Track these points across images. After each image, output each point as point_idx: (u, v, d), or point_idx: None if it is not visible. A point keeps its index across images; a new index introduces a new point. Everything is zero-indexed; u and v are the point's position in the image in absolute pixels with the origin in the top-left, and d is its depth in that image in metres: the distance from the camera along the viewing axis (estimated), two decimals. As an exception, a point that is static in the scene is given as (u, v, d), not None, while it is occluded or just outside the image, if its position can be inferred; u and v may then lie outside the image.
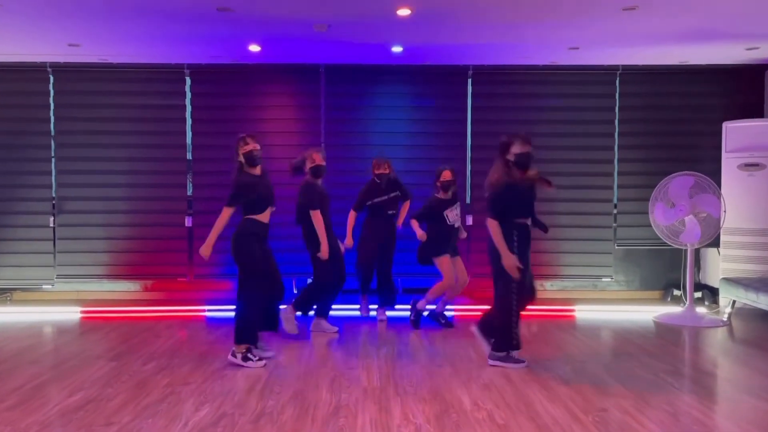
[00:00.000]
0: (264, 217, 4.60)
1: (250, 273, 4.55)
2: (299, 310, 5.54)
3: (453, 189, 5.72)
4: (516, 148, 4.37)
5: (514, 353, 4.51)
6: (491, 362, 4.51)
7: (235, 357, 4.51)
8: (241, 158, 4.55)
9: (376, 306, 6.14)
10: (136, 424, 3.39)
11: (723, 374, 4.56)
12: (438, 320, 5.86)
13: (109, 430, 3.31)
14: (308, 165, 5.40)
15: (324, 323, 5.60)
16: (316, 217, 5.27)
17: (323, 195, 5.42)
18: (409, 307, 5.89)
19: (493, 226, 4.36)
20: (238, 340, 4.51)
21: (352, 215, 5.95)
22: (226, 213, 4.51)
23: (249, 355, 4.49)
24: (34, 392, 3.94)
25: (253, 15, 5.13)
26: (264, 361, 4.51)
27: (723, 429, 3.39)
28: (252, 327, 4.54)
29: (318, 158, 5.39)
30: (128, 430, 3.31)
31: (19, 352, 4.95)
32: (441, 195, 5.69)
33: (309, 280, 5.89)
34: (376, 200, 5.91)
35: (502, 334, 4.45)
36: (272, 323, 4.83)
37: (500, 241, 4.34)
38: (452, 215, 5.67)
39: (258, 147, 4.57)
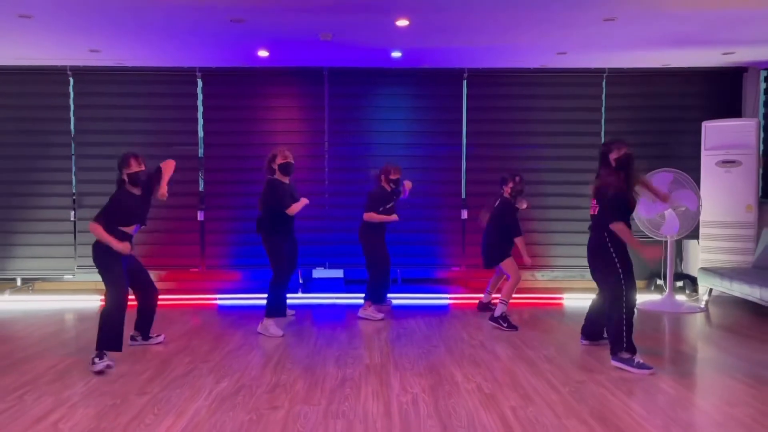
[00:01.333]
0: (129, 229, 4.58)
1: (108, 280, 4.46)
2: (275, 315, 5.43)
3: (522, 196, 5.97)
4: (614, 154, 4.47)
5: (638, 358, 4.36)
6: (613, 363, 4.44)
7: (94, 363, 4.35)
8: (125, 177, 4.56)
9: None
10: (165, 394, 3.84)
11: (695, 354, 4.97)
12: (489, 308, 6.16)
13: (142, 399, 3.76)
14: (278, 161, 5.34)
15: (271, 325, 5.40)
16: (292, 210, 5.32)
17: (292, 194, 5.40)
18: (409, 295, 6.24)
19: (619, 228, 4.39)
20: (104, 346, 4.42)
21: (373, 216, 5.92)
22: (100, 228, 4.38)
23: (96, 358, 4.35)
24: (69, 369, 4.37)
25: (264, 25, 5.55)
26: (111, 361, 4.38)
27: (687, 400, 3.80)
28: (118, 331, 4.43)
29: (289, 155, 5.38)
30: (159, 399, 3.76)
31: (47, 336, 5.37)
32: (511, 199, 5.88)
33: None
34: (387, 206, 5.99)
35: (615, 334, 4.43)
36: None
37: (631, 239, 4.41)
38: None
39: (143, 169, 4.59)
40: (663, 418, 3.46)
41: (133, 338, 5.04)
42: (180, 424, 3.37)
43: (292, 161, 5.42)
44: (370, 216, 5.92)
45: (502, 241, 5.85)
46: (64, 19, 5.37)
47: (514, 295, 5.80)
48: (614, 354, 4.44)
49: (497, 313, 5.68)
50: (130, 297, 4.61)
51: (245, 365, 4.46)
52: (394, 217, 6.02)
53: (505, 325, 5.62)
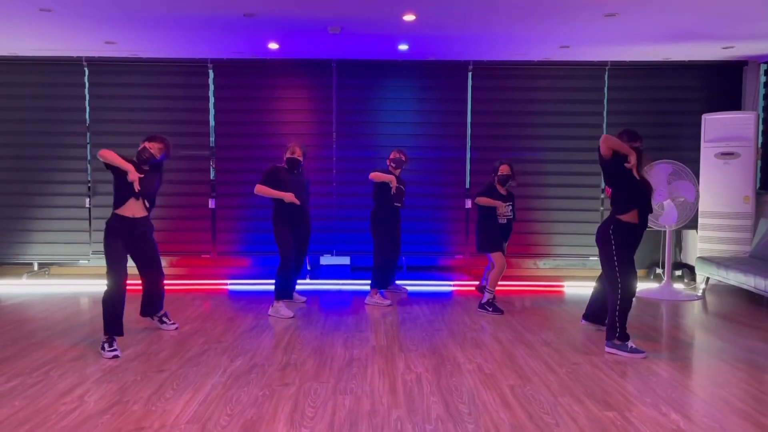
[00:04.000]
0: (126, 210, 4.59)
1: (108, 266, 4.51)
2: (284, 298, 5.69)
3: (510, 184, 5.88)
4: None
5: (631, 343, 4.53)
6: (607, 349, 4.58)
7: (103, 349, 4.47)
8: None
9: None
10: (183, 371, 4.06)
11: (690, 340, 5.14)
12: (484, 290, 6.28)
13: (161, 375, 3.98)
14: (286, 155, 5.66)
15: (282, 308, 5.66)
16: (258, 189, 5.53)
17: (288, 182, 5.57)
18: (414, 282, 6.42)
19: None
20: (107, 331, 4.50)
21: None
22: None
23: (105, 345, 4.46)
24: (91, 348, 4.59)
25: (274, 19, 5.73)
26: (117, 351, 4.43)
27: (678, 381, 3.99)
28: (117, 315, 4.50)
29: (297, 151, 5.65)
30: (177, 376, 3.98)
31: (66, 318, 5.60)
32: (498, 189, 5.84)
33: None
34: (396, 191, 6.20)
35: (610, 321, 4.56)
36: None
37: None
38: (506, 212, 5.87)
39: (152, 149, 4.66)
40: (652, 397, 3.65)
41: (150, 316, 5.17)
42: (198, 397, 3.59)
43: (298, 158, 5.66)
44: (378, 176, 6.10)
45: (484, 226, 5.84)
46: (81, 13, 5.55)
47: (517, 284, 5.98)
48: (608, 340, 4.61)
49: (484, 299, 5.92)
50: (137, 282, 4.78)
51: (257, 346, 4.68)
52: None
53: (490, 309, 5.85)
